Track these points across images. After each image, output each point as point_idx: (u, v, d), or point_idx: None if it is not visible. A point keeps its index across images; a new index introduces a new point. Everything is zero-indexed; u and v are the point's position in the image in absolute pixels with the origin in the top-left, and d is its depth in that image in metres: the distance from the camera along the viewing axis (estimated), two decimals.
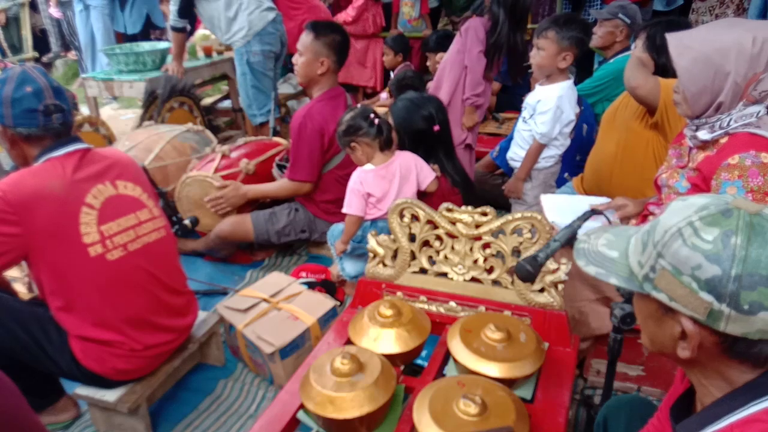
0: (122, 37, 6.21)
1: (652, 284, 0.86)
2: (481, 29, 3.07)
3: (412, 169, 2.49)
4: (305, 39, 2.86)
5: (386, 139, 2.45)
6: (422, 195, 2.57)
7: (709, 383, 0.89)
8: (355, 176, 2.49)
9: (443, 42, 4.43)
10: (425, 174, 2.52)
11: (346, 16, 5.68)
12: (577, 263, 0.98)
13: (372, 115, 2.43)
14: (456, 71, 3.19)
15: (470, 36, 3.09)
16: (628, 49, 3.46)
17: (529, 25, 5.38)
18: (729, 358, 0.84)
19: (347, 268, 2.67)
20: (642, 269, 0.88)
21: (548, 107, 2.59)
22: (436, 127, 2.61)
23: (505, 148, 3.54)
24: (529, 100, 2.75)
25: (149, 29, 6.44)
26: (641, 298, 0.92)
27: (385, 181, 2.45)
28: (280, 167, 3.12)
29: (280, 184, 3.01)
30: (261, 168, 3.18)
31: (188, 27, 4.26)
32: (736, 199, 0.83)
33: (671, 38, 1.63)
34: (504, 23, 3.01)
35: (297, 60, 2.90)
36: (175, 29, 4.13)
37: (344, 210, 2.49)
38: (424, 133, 2.61)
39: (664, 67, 2.35)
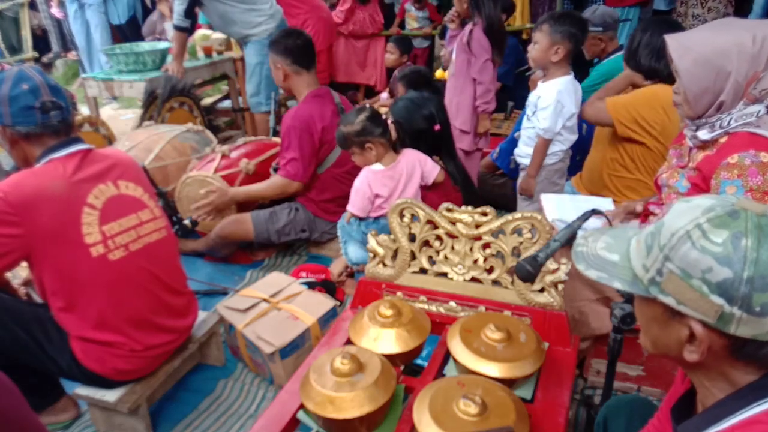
0: (115, 35, 6.24)
1: (659, 288, 0.85)
2: (483, 38, 3.12)
3: (416, 167, 2.54)
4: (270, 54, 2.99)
5: (396, 139, 2.52)
6: (428, 188, 2.60)
7: (711, 385, 0.88)
8: (363, 176, 2.54)
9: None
10: (429, 168, 2.56)
11: (336, 18, 5.70)
12: (577, 267, 0.96)
13: (384, 116, 2.50)
14: (470, 85, 3.26)
15: (475, 47, 3.14)
16: (620, 48, 3.50)
17: (528, 24, 5.41)
18: (736, 360, 0.84)
19: (350, 252, 2.69)
20: (647, 273, 0.87)
21: (548, 102, 2.62)
22: (437, 127, 2.62)
23: (506, 150, 3.56)
24: (531, 97, 2.78)
25: (137, 27, 6.47)
26: (645, 302, 0.90)
27: (392, 182, 2.51)
28: (277, 171, 3.12)
29: (269, 182, 3.01)
30: (261, 168, 3.18)
31: (190, 28, 4.28)
32: (740, 200, 0.83)
33: (670, 40, 1.64)
34: (489, 6, 3.10)
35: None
36: (179, 29, 4.14)
37: (348, 208, 2.59)
38: (424, 132, 2.63)
39: (650, 70, 2.44)
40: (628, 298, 1.43)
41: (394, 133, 2.57)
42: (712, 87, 1.58)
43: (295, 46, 2.93)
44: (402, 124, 2.63)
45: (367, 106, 2.59)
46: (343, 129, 2.52)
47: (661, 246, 0.84)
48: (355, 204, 2.56)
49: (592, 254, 0.96)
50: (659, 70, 2.40)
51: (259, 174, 3.17)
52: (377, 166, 2.52)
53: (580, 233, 1.52)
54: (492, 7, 3.10)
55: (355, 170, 2.70)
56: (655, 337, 0.91)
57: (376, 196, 2.53)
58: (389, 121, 2.53)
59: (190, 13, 4.08)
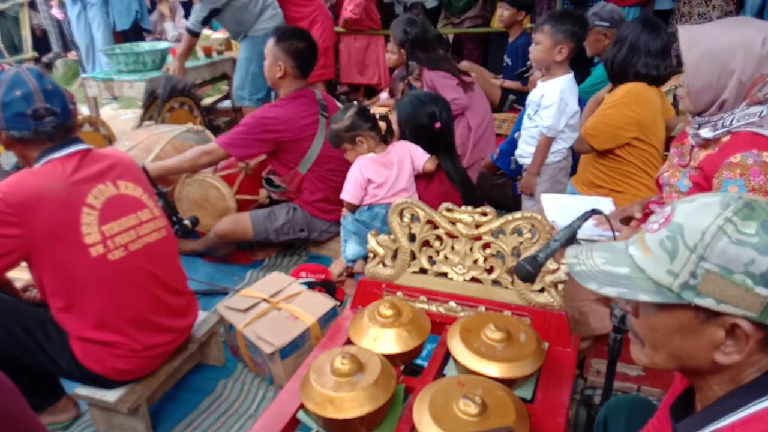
0: (116, 35, 6.23)
1: (695, 291, 0.81)
2: (438, 74, 3.29)
3: (406, 155, 2.61)
4: (269, 43, 2.96)
5: (386, 132, 2.63)
6: (426, 188, 2.62)
7: (719, 387, 0.87)
8: (356, 165, 2.62)
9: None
10: (419, 155, 2.62)
11: (350, 14, 5.68)
12: (588, 287, 0.91)
13: (370, 111, 2.59)
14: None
15: (439, 84, 3.31)
16: None
17: (528, 24, 5.41)
18: (765, 354, 0.82)
19: (348, 250, 2.75)
20: (677, 278, 0.82)
21: (552, 101, 2.63)
22: (438, 125, 2.65)
23: (506, 151, 3.56)
24: (532, 96, 2.78)
25: (140, 30, 6.46)
26: (668, 312, 0.85)
27: (384, 168, 2.59)
28: (268, 181, 3.12)
29: (190, 150, 2.96)
30: (260, 168, 3.18)
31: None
32: (742, 194, 0.83)
33: (682, 30, 1.63)
34: (423, 57, 3.36)
35: (265, 63, 3.02)
36: (192, 33, 4.22)
37: (342, 195, 2.65)
38: (425, 129, 2.66)
39: (620, 68, 2.50)
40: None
41: (383, 127, 2.65)
42: (715, 83, 1.58)
43: (303, 51, 2.93)
44: (404, 118, 2.67)
45: (354, 102, 2.64)
46: (333, 126, 2.61)
47: (691, 247, 0.81)
48: (348, 191, 2.62)
49: (597, 271, 0.91)
50: (627, 70, 2.44)
51: (259, 174, 3.17)
52: (369, 154, 2.61)
53: (580, 233, 1.54)
54: (425, 56, 3.31)
55: (339, 168, 2.80)
56: (677, 348, 0.87)
57: (369, 181, 2.60)
58: (377, 116, 2.64)
59: (207, 21, 4.17)
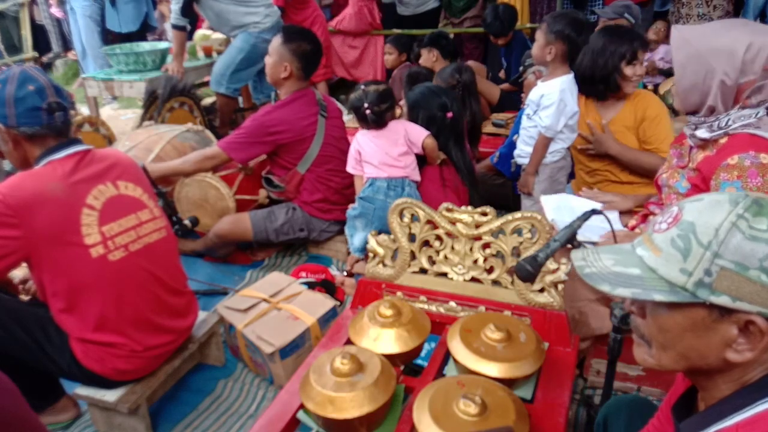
0: (117, 37, 6.18)
1: (710, 289, 0.80)
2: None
3: (400, 132, 2.67)
4: (275, 41, 2.95)
5: (376, 122, 2.69)
6: (443, 185, 2.66)
7: (726, 387, 0.87)
8: (354, 139, 2.79)
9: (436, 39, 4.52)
10: (417, 133, 2.66)
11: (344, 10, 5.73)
12: (600, 289, 0.90)
13: (366, 105, 2.64)
14: None
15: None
16: None
17: (528, 24, 5.42)
18: None
19: (355, 242, 2.80)
20: (691, 277, 0.81)
21: (552, 101, 2.63)
22: (450, 114, 2.67)
23: (506, 154, 3.56)
24: (532, 96, 2.78)
25: (146, 29, 6.42)
26: (679, 311, 0.85)
27: (372, 143, 2.70)
28: (268, 181, 3.12)
29: (192, 154, 2.96)
30: (260, 168, 3.18)
31: (188, 26, 4.31)
32: (747, 192, 0.84)
33: (675, 31, 1.64)
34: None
35: (267, 60, 3.00)
36: (176, 27, 4.17)
37: (347, 168, 2.85)
38: (437, 118, 2.68)
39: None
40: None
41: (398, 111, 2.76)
42: (701, 85, 1.59)
43: (310, 53, 2.93)
44: (415, 109, 2.68)
45: (362, 87, 2.71)
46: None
47: (705, 244, 0.81)
48: (348, 162, 2.82)
49: (609, 273, 0.90)
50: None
51: (258, 175, 3.17)
52: (363, 129, 2.73)
53: (580, 233, 1.54)
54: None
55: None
56: (688, 348, 0.86)
57: (358, 152, 2.73)
58: (367, 113, 2.66)
59: (186, 12, 4.13)
